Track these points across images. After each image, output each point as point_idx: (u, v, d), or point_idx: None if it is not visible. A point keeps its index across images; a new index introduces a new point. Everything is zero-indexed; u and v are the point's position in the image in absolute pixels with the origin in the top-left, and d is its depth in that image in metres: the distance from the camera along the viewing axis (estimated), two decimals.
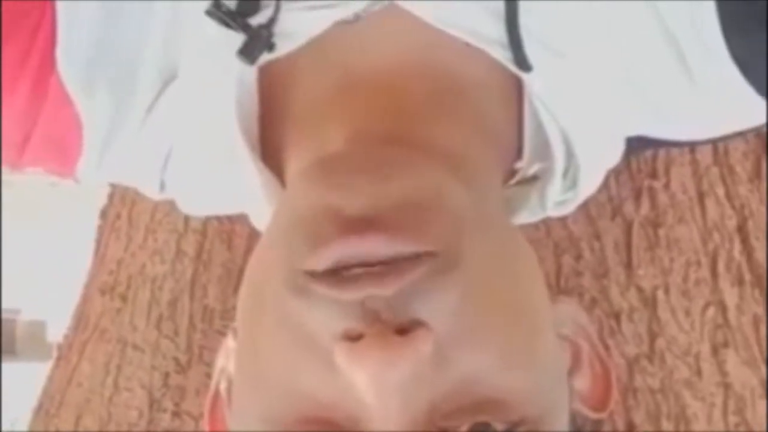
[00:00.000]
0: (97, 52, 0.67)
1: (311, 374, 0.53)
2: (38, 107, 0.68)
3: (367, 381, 0.50)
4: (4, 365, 2.19)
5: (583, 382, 0.66)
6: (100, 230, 0.98)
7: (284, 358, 0.54)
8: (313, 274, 0.52)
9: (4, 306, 2.21)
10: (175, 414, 0.85)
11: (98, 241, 0.97)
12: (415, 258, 0.52)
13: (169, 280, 0.90)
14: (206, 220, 0.90)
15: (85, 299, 0.95)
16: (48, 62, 0.67)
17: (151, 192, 0.75)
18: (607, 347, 0.76)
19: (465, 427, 0.53)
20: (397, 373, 0.50)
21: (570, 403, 0.62)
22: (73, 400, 0.89)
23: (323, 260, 0.52)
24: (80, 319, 0.94)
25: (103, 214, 0.98)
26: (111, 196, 0.98)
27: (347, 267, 0.52)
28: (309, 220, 0.54)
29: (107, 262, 0.94)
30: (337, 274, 0.52)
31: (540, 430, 0.55)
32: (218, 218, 0.90)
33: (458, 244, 0.54)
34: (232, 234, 0.90)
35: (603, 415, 0.67)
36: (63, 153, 0.71)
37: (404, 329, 0.51)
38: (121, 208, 0.96)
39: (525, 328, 0.56)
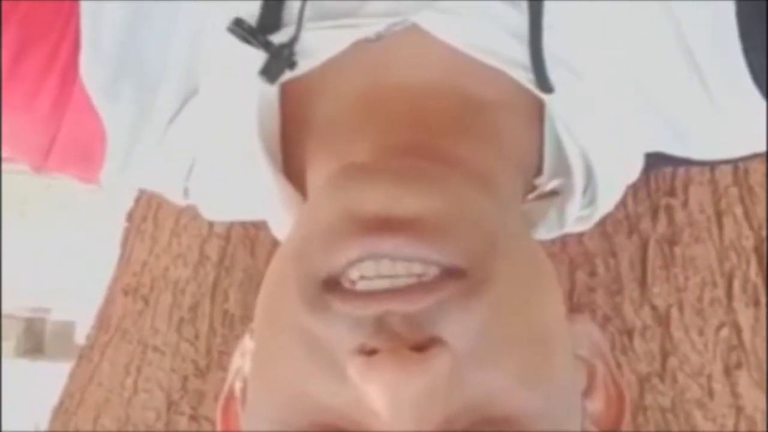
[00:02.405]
0: (120, 61, 0.68)
1: (324, 384, 0.53)
2: (62, 113, 0.69)
3: (381, 396, 0.50)
4: (31, 365, 2.21)
5: (596, 404, 0.65)
6: (127, 233, 0.99)
7: (297, 366, 0.54)
8: (330, 287, 0.53)
9: (34, 305, 2.23)
10: (193, 418, 0.85)
11: (124, 244, 0.98)
12: (443, 276, 0.52)
13: (192, 284, 0.91)
14: (230, 227, 0.91)
15: (109, 300, 0.96)
16: (72, 69, 0.68)
17: (176, 198, 0.76)
18: (618, 365, 0.76)
19: None
20: (412, 389, 0.50)
21: (582, 425, 0.62)
22: (93, 399, 0.90)
23: (340, 259, 0.52)
24: (103, 319, 0.95)
25: (130, 216, 0.99)
26: (137, 200, 0.99)
27: (368, 277, 0.52)
28: (327, 223, 0.54)
29: (132, 264, 0.95)
30: (355, 290, 0.52)
31: None
32: (242, 225, 0.90)
33: (488, 264, 0.54)
34: (255, 240, 0.90)
35: None
36: (87, 159, 0.72)
37: (421, 346, 0.51)
38: (147, 211, 0.96)
39: (544, 350, 0.56)
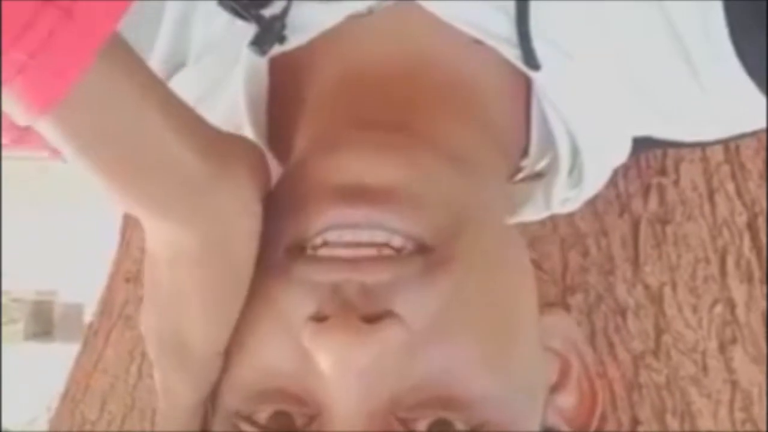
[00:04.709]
0: None
1: (281, 351, 0.54)
2: None
3: (330, 363, 0.51)
4: (40, 347, 2.22)
5: (567, 400, 0.66)
6: (125, 219, 1.00)
7: (255, 331, 0.55)
8: (294, 253, 0.54)
9: (42, 288, 2.24)
10: None
11: (123, 230, 0.99)
12: (407, 250, 0.53)
13: None
14: None
15: (111, 286, 0.97)
16: None
17: None
18: (611, 344, 0.77)
19: (425, 423, 0.54)
20: (360, 359, 0.51)
21: (545, 418, 0.62)
22: (99, 386, 0.91)
23: (307, 227, 0.53)
24: (105, 305, 0.96)
25: None
26: None
27: (332, 245, 0.53)
28: (297, 192, 0.55)
29: (132, 251, 0.96)
30: (316, 256, 0.53)
31: None
32: None
33: (453, 243, 0.54)
34: None
35: None
36: None
37: (372, 317, 0.51)
38: None
39: (502, 336, 0.56)
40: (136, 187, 0.50)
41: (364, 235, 0.53)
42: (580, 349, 0.68)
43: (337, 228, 0.53)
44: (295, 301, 0.53)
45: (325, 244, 0.54)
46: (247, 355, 0.55)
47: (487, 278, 0.56)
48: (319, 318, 0.52)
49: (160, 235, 0.53)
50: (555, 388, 0.65)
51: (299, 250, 0.54)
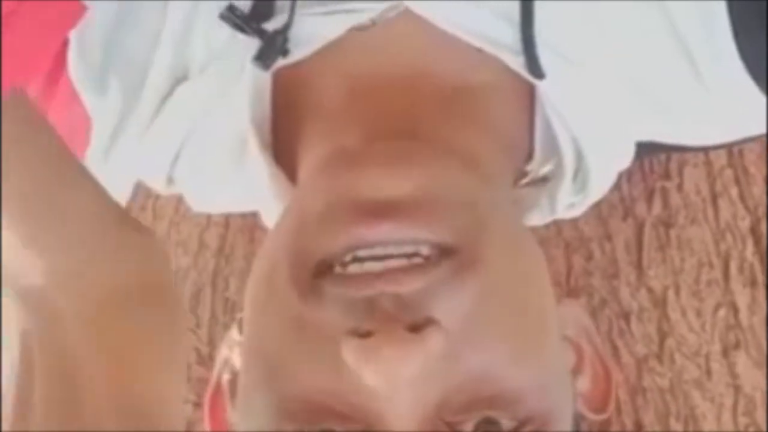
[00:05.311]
0: (107, 57, 0.67)
1: (321, 369, 0.54)
2: (47, 103, 0.69)
3: (378, 378, 0.51)
4: None
5: (584, 383, 0.67)
6: None
7: (293, 353, 0.55)
8: (322, 271, 0.54)
9: None
10: (197, 405, 0.86)
11: None
12: (434, 255, 0.53)
13: (192, 273, 0.91)
14: (228, 214, 0.91)
15: None
16: (60, 64, 0.68)
17: (158, 186, 0.76)
18: (615, 348, 0.77)
19: (472, 424, 0.54)
20: (409, 370, 0.50)
21: (574, 404, 0.63)
22: None
23: (333, 246, 0.53)
24: None
25: (128, 206, 0.99)
26: (136, 189, 0.99)
27: (361, 259, 0.53)
28: (320, 210, 0.55)
29: None
30: (346, 274, 0.53)
31: (546, 428, 0.56)
32: (240, 212, 0.91)
33: (478, 242, 0.55)
34: (253, 228, 0.90)
35: (602, 417, 0.67)
36: (70, 146, 0.72)
37: (416, 327, 0.51)
38: (146, 200, 0.96)
39: (535, 327, 0.57)
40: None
41: (392, 248, 0.54)
42: (590, 335, 0.69)
43: (364, 245, 0.53)
44: (331, 319, 0.53)
45: (355, 259, 0.54)
46: (287, 376, 0.55)
47: (513, 273, 0.56)
48: (361, 334, 0.51)
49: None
50: (572, 374, 0.66)
51: (328, 268, 0.54)
